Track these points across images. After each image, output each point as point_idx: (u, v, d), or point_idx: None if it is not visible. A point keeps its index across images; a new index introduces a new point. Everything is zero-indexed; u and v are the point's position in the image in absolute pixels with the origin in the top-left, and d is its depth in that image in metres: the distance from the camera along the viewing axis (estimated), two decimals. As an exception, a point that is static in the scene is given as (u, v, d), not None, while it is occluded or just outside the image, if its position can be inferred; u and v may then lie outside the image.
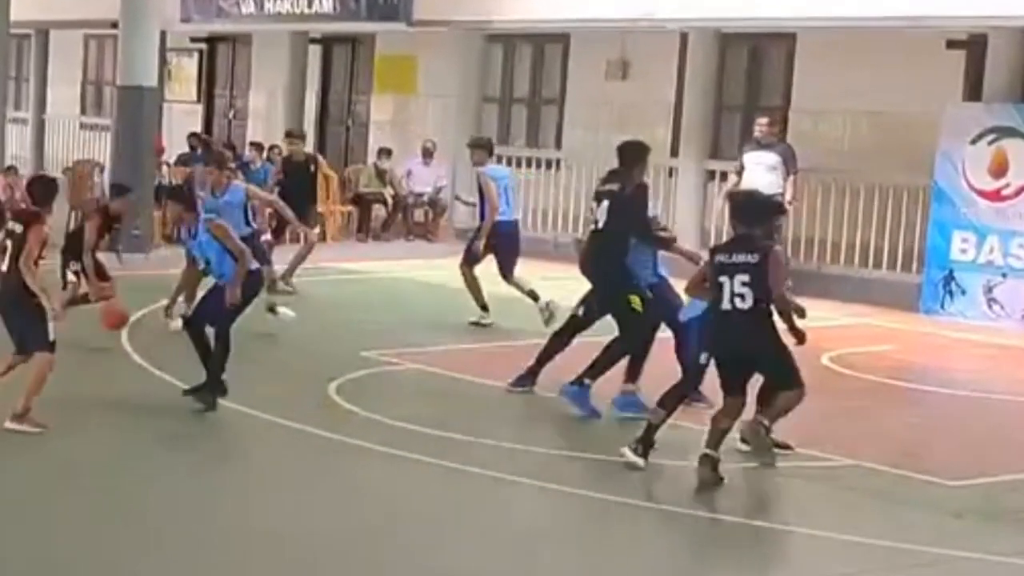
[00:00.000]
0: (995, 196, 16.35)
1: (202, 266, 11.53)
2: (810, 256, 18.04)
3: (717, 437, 9.36)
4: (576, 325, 11.56)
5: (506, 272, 14.76)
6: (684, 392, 9.89)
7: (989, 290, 16.34)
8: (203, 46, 28.29)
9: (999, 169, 16.32)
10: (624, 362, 11.12)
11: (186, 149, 25.18)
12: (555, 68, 23.12)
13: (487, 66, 22.58)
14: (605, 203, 11.08)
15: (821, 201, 18.04)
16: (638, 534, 8.64)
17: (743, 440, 9.79)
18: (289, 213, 14.87)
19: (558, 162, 21.30)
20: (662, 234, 11.53)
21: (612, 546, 8.36)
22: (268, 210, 15.75)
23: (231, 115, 28.42)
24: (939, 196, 16.75)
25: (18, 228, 9.97)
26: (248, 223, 13.78)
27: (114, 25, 20.81)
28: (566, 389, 11.08)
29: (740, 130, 20.14)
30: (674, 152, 20.27)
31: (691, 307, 10.10)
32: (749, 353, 9.32)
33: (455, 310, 14.84)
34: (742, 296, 9.26)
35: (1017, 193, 16.21)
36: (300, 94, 24.88)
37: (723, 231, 18.07)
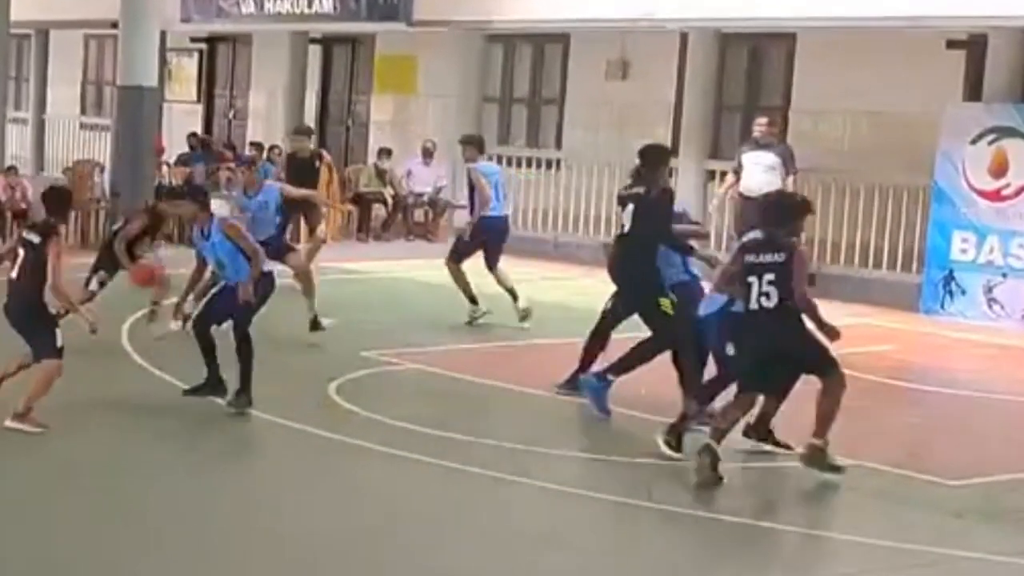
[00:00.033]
0: (995, 196, 16.35)
1: (212, 269, 11.41)
2: (810, 256, 18.01)
3: (722, 431, 9.38)
4: (608, 324, 11.54)
5: (491, 264, 14.83)
6: (722, 386, 9.95)
7: (989, 290, 16.34)
8: (203, 46, 28.31)
9: (999, 169, 16.32)
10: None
11: (186, 149, 25.24)
12: (555, 68, 23.14)
13: (487, 66, 22.59)
14: (630, 207, 11.03)
15: (821, 201, 17.97)
16: (638, 534, 8.63)
17: (744, 436, 9.84)
18: (324, 199, 15.13)
19: (558, 162, 21.30)
20: (692, 228, 11.70)
21: (612, 546, 8.36)
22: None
23: (231, 115, 28.44)
24: (939, 196, 16.75)
25: (35, 239, 9.94)
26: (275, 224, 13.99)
27: (114, 25, 20.84)
28: (587, 382, 11.08)
29: (740, 130, 20.15)
30: (674, 152, 20.23)
31: (711, 302, 10.10)
32: (783, 351, 9.38)
33: (455, 310, 14.84)
34: (767, 295, 9.32)
35: (1017, 193, 16.21)
36: (300, 94, 24.90)
37: (723, 231, 18.14)
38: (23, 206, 20.10)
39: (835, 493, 9.50)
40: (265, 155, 21.93)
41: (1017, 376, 13.62)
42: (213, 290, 11.81)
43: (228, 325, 10.87)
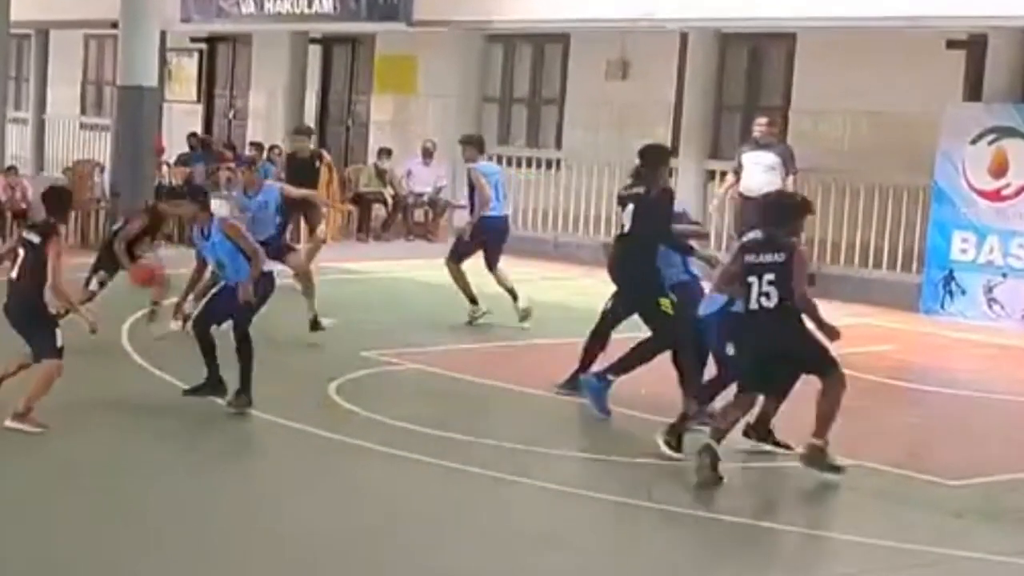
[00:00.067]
0: (995, 196, 16.35)
1: (212, 269, 11.41)
2: (810, 256, 18.00)
3: (722, 431, 9.38)
4: (608, 324, 11.54)
5: (491, 264, 14.83)
6: (721, 386, 9.96)
7: (989, 290, 16.34)
8: (203, 46, 28.31)
9: (999, 169, 16.32)
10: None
11: (186, 149, 25.23)
12: (555, 68, 23.14)
13: (487, 66, 22.59)
14: (630, 207, 11.03)
15: (821, 201, 17.96)
16: (638, 534, 8.63)
17: (744, 436, 9.84)
18: (323, 199, 15.11)
19: (558, 162, 21.30)
20: (692, 228, 11.71)
21: (612, 546, 8.36)
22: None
23: (231, 115, 28.44)
24: (939, 196, 16.75)
25: (35, 239, 9.94)
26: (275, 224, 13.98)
27: (114, 25, 20.83)
28: (587, 382, 11.08)
29: (740, 130, 20.15)
30: (674, 152, 20.22)
31: (711, 302, 10.10)
32: (783, 351, 9.38)
33: (455, 310, 14.84)
34: (767, 295, 9.33)
35: (1017, 193, 16.21)
36: (300, 94, 24.90)
37: (723, 232, 18.13)
38: (23, 206, 20.11)
39: (835, 493, 9.50)
40: (265, 155, 21.93)
41: (1017, 376, 13.62)
42: (213, 290, 11.81)
43: (228, 325, 10.87)
